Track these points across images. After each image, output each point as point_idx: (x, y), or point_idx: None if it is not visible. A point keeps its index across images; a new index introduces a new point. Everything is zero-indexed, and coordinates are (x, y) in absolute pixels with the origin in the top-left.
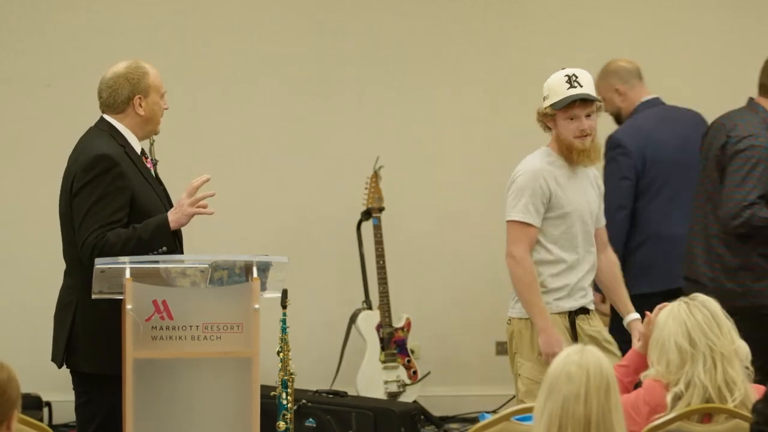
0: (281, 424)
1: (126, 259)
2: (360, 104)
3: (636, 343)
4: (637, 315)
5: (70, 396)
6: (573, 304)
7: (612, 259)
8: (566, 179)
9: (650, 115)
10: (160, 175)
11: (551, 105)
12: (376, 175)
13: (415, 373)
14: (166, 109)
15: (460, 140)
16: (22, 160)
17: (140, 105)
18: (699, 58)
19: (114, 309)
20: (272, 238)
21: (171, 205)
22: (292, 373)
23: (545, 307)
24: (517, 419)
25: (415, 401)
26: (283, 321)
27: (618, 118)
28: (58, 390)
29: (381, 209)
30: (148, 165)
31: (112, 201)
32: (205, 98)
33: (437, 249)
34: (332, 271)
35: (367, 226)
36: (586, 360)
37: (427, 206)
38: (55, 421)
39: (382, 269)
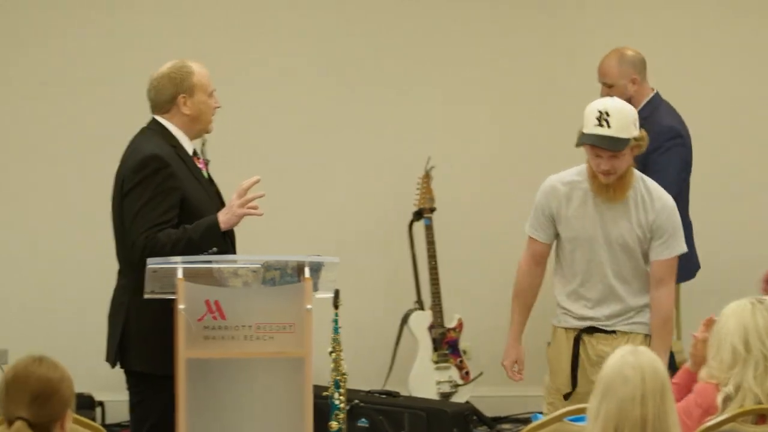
0: (333, 424)
1: (178, 259)
2: (413, 104)
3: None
4: None
5: (123, 396)
6: (577, 324)
7: (658, 302)
8: (581, 203)
9: (673, 109)
10: (212, 176)
11: (578, 138)
12: (427, 176)
13: (467, 373)
14: (218, 107)
15: (513, 141)
16: (72, 159)
17: (185, 104)
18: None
19: (166, 309)
20: (324, 238)
21: (223, 206)
22: (344, 374)
23: (518, 319)
24: (571, 420)
25: (467, 402)
26: (335, 321)
27: None
28: (111, 390)
29: (432, 209)
30: (200, 165)
31: (162, 201)
32: (255, 99)
33: (489, 249)
34: (384, 272)
35: (419, 227)
36: (641, 361)
37: (479, 206)
38: (108, 421)
39: (434, 269)
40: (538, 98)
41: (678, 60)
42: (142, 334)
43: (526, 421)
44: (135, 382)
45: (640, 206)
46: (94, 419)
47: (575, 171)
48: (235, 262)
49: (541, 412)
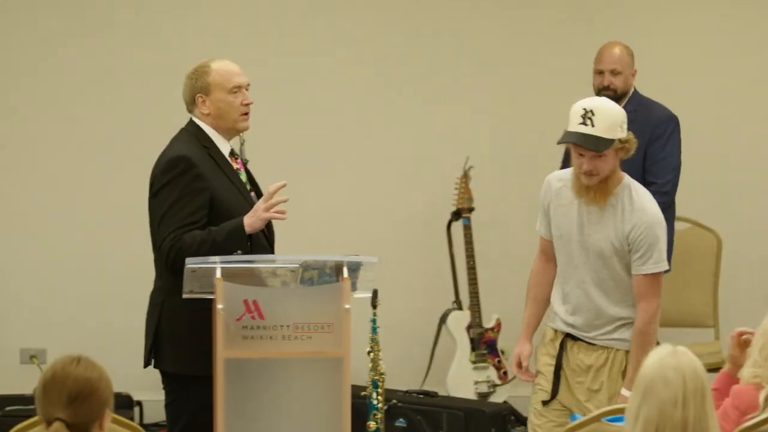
0: (371, 424)
1: (217, 258)
2: (453, 103)
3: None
4: (627, 393)
5: (161, 395)
6: (563, 327)
7: (636, 319)
8: (569, 201)
9: None
10: (254, 176)
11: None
12: (466, 176)
13: (505, 373)
14: (247, 104)
15: (552, 140)
16: (111, 159)
17: (203, 103)
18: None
19: (199, 310)
20: (362, 238)
21: None
22: (382, 373)
23: (528, 315)
24: (608, 420)
25: (505, 401)
26: (374, 321)
27: (615, 98)
28: (149, 389)
29: (471, 209)
30: (237, 165)
31: (190, 202)
32: (293, 98)
33: (527, 249)
34: (422, 272)
35: (457, 227)
36: (681, 363)
37: (517, 206)
38: (145, 420)
39: (472, 269)
40: (576, 99)
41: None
42: (174, 334)
43: None
44: (168, 382)
45: (619, 215)
46: (132, 419)
47: (564, 171)
48: (273, 261)
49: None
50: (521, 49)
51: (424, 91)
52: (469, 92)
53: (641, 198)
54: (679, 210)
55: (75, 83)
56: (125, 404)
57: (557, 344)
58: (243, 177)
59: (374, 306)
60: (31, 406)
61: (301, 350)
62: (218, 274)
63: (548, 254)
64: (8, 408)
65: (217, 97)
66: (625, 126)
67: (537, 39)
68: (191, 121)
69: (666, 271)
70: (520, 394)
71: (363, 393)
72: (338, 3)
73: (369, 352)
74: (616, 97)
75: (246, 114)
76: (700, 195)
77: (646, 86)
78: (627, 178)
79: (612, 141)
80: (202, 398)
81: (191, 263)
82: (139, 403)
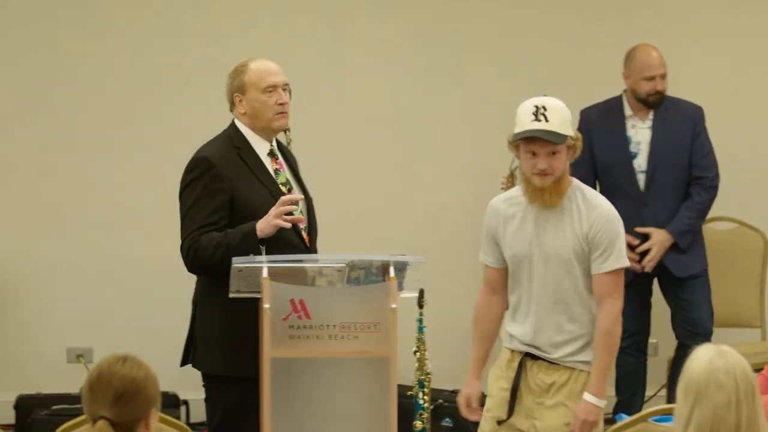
0: (418, 424)
1: (264, 258)
2: (498, 103)
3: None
4: (591, 399)
5: None
6: (522, 348)
7: (599, 320)
8: (520, 219)
9: None
10: (303, 177)
11: (513, 135)
12: (512, 175)
13: None
14: (282, 104)
15: None
16: (156, 160)
17: (240, 102)
18: None
19: (230, 311)
20: (408, 237)
21: (310, 208)
22: (428, 373)
23: (475, 352)
24: (655, 420)
25: None
26: (420, 321)
27: (661, 100)
28: (195, 388)
29: None
30: (277, 165)
31: (208, 203)
32: (341, 95)
33: None
34: (468, 271)
35: None
36: (731, 365)
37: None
38: (192, 420)
39: None
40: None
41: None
42: (205, 334)
43: (610, 421)
44: (204, 380)
45: (575, 216)
46: (178, 418)
47: (516, 189)
48: (319, 261)
49: (625, 413)
50: (567, 48)
51: (474, 89)
52: (514, 92)
53: (594, 197)
54: (725, 210)
55: (115, 84)
56: (172, 403)
57: (515, 365)
58: (283, 177)
59: (420, 306)
60: (78, 405)
61: (347, 350)
62: (265, 273)
63: (494, 286)
64: (55, 407)
65: (252, 97)
66: (575, 125)
67: (572, 38)
68: (231, 122)
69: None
70: None
71: (409, 393)
72: (393, 4)
73: (415, 352)
74: (662, 100)
75: (281, 113)
76: (746, 195)
77: (687, 87)
78: (575, 181)
79: (566, 136)
80: (233, 397)
81: (238, 262)
82: (186, 402)
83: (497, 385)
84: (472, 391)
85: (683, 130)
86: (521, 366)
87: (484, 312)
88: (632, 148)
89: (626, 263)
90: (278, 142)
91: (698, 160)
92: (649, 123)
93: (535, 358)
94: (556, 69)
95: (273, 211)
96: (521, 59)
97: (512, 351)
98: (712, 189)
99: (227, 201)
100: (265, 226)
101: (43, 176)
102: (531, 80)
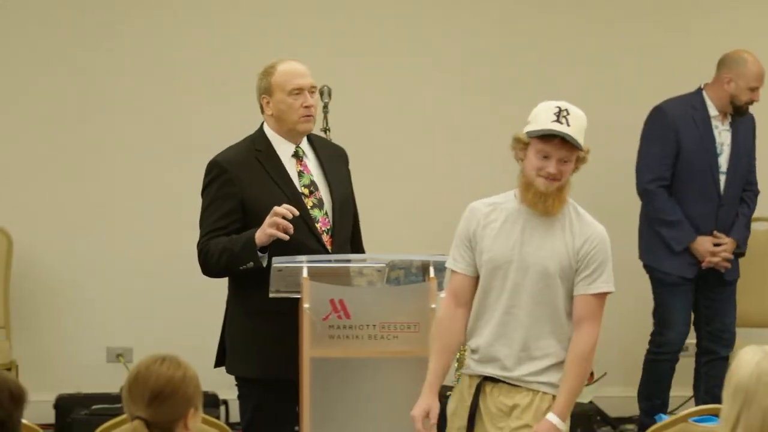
0: None
1: (304, 258)
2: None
3: None
4: (550, 419)
5: None
6: (480, 369)
7: (575, 342)
8: (502, 222)
9: None
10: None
11: (528, 132)
12: None
13: (591, 374)
14: (308, 106)
15: (637, 143)
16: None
17: (268, 104)
18: None
19: (255, 313)
20: (449, 237)
21: (345, 208)
22: None
23: (434, 365)
24: (695, 420)
25: (591, 402)
26: None
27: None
28: (234, 388)
29: None
30: (301, 167)
31: (219, 208)
32: (385, 96)
33: (614, 249)
34: None
35: None
36: None
37: (602, 207)
38: (231, 419)
39: None
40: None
41: None
42: (234, 336)
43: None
44: (236, 381)
45: (568, 230)
46: (218, 417)
47: (500, 195)
48: (359, 261)
49: (665, 413)
50: (619, 48)
51: (515, 90)
52: (564, 91)
53: (587, 215)
54: (759, 210)
55: (151, 85)
56: (211, 403)
57: (473, 389)
58: (307, 179)
59: None
60: (117, 405)
61: (387, 350)
62: (305, 273)
63: (459, 298)
64: (94, 407)
65: (278, 99)
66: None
67: (624, 40)
68: (261, 124)
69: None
70: (606, 394)
71: (449, 393)
72: (442, 3)
73: None
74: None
75: (307, 116)
76: None
77: None
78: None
79: (581, 146)
80: (263, 398)
81: (277, 262)
82: (225, 402)
83: (455, 423)
84: (433, 405)
85: (747, 135)
86: (479, 389)
87: (448, 324)
88: (717, 149)
89: (612, 289)
90: (313, 143)
91: (752, 167)
92: (727, 125)
93: (495, 381)
94: (614, 70)
95: (267, 220)
96: (579, 61)
97: (470, 376)
98: (756, 196)
99: (238, 205)
100: (260, 234)
101: (82, 176)
102: (590, 80)
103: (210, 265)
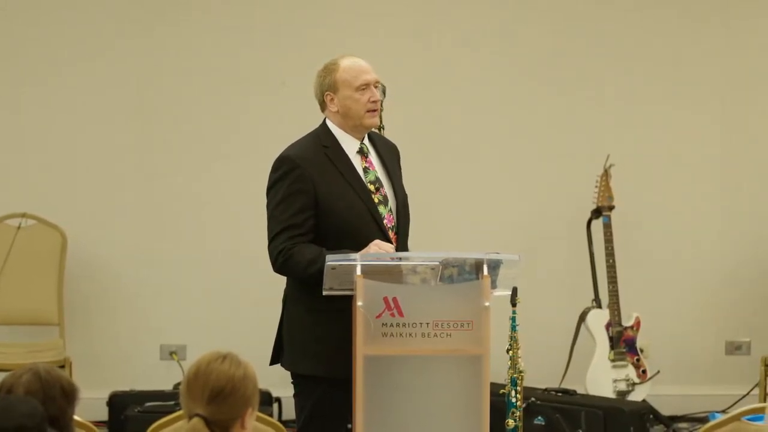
0: (510, 422)
1: (356, 256)
2: (594, 102)
3: None
4: None
5: None
6: None
7: None
8: None
9: None
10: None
11: None
12: (606, 174)
13: (644, 372)
14: (374, 101)
15: (695, 142)
16: (250, 157)
17: (332, 101)
18: None
19: (313, 311)
20: (502, 235)
21: (401, 207)
22: (521, 371)
23: None
24: (748, 419)
25: (644, 400)
26: (513, 319)
27: None
28: (288, 386)
29: (611, 207)
30: (366, 164)
31: (292, 204)
32: (439, 95)
33: (667, 247)
34: (562, 269)
35: (597, 225)
36: None
37: (658, 204)
38: (284, 417)
39: (611, 268)
40: (722, 98)
41: None
42: (291, 334)
43: (704, 420)
44: (292, 379)
45: None
46: (271, 415)
47: None
48: (413, 259)
49: (718, 411)
50: (666, 48)
51: (568, 88)
52: (610, 90)
53: None
54: None
55: (214, 85)
56: (265, 401)
57: None
58: (372, 176)
59: (514, 304)
60: (170, 402)
61: (440, 348)
62: (359, 271)
63: None
64: (148, 404)
65: (345, 95)
66: None
67: (678, 39)
68: (322, 121)
69: None
70: (659, 392)
71: (501, 391)
72: (481, 3)
73: (508, 350)
74: None
75: (373, 111)
76: None
77: None
78: None
79: None
80: (319, 396)
81: (331, 260)
82: (278, 400)
83: None
84: None
85: None
86: None
87: None
88: None
89: None
90: (372, 140)
91: None
92: None
93: None
94: (665, 69)
95: (371, 248)
96: (631, 58)
97: None
98: None
99: (311, 201)
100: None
101: (138, 176)
102: (636, 78)
103: (292, 272)
